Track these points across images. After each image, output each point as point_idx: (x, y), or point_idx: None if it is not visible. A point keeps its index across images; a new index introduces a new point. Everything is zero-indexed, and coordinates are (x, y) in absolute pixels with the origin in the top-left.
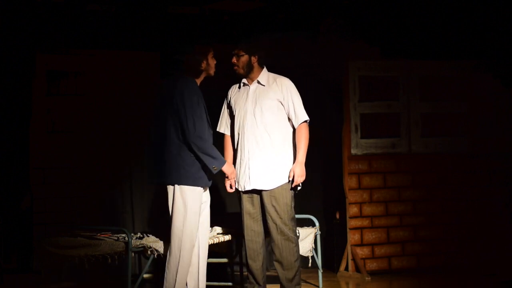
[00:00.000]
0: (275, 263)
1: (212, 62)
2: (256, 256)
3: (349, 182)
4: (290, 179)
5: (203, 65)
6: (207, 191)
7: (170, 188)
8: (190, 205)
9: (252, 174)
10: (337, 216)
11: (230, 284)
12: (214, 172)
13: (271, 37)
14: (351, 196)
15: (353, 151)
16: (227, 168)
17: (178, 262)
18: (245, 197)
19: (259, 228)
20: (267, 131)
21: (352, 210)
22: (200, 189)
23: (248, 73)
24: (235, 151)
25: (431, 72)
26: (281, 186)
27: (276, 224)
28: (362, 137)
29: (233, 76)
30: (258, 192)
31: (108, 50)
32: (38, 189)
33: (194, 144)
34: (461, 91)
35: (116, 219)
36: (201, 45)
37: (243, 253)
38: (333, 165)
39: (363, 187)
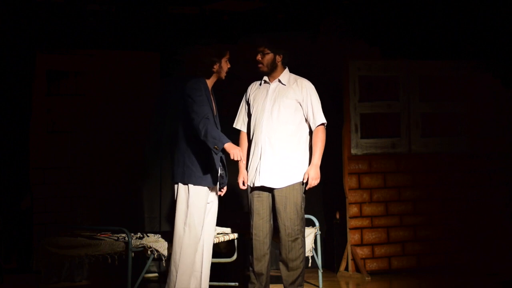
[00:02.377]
0: (280, 264)
1: (226, 66)
2: (262, 257)
3: (349, 182)
4: (305, 181)
5: (216, 67)
6: (215, 190)
7: (175, 186)
8: (193, 204)
9: (262, 171)
10: (337, 216)
11: (231, 284)
12: (216, 153)
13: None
14: (351, 196)
15: (353, 151)
16: (229, 146)
17: (179, 261)
18: (255, 195)
19: (268, 228)
20: (281, 130)
21: (352, 210)
22: (205, 188)
23: (271, 72)
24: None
25: (431, 72)
26: (293, 186)
27: (285, 225)
28: (362, 137)
29: (231, 76)
30: (269, 190)
31: (108, 50)
32: (38, 189)
33: (198, 128)
34: (461, 91)
35: (116, 219)
36: (219, 46)
37: (244, 252)
38: (333, 165)
39: (363, 187)
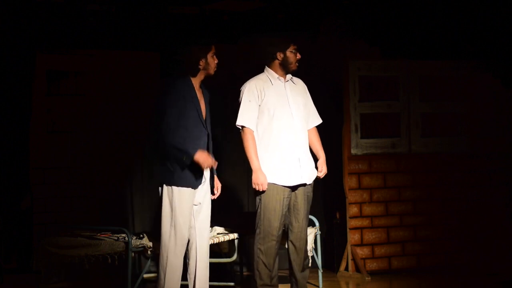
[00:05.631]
0: (298, 264)
1: (212, 61)
2: (274, 262)
3: (349, 182)
4: (319, 175)
5: (202, 63)
6: (205, 192)
7: (160, 188)
8: (177, 206)
9: (305, 168)
10: (337, 216)
11: (231, 284)
12: (187, 163)
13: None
14: (351, 196)
15: (353, 151)
16: (199, 155)
17: (166, 265)
18: (286, 195)
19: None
20: (304, 127)
21: (352, 210)
22: (188, 189)
23: None
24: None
25: (431, 72)
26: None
27: (302, 225)
28: (362, 137)
29: (232, 77)
30: (294, 188)
31: (108, 50)
32: (38, 189)
33: (162, 141)
34: (461, 91)
35: (116, 219)
36: (201, 45)
37: (243, 252)
38: (333, 165)
39: (363, 187)
